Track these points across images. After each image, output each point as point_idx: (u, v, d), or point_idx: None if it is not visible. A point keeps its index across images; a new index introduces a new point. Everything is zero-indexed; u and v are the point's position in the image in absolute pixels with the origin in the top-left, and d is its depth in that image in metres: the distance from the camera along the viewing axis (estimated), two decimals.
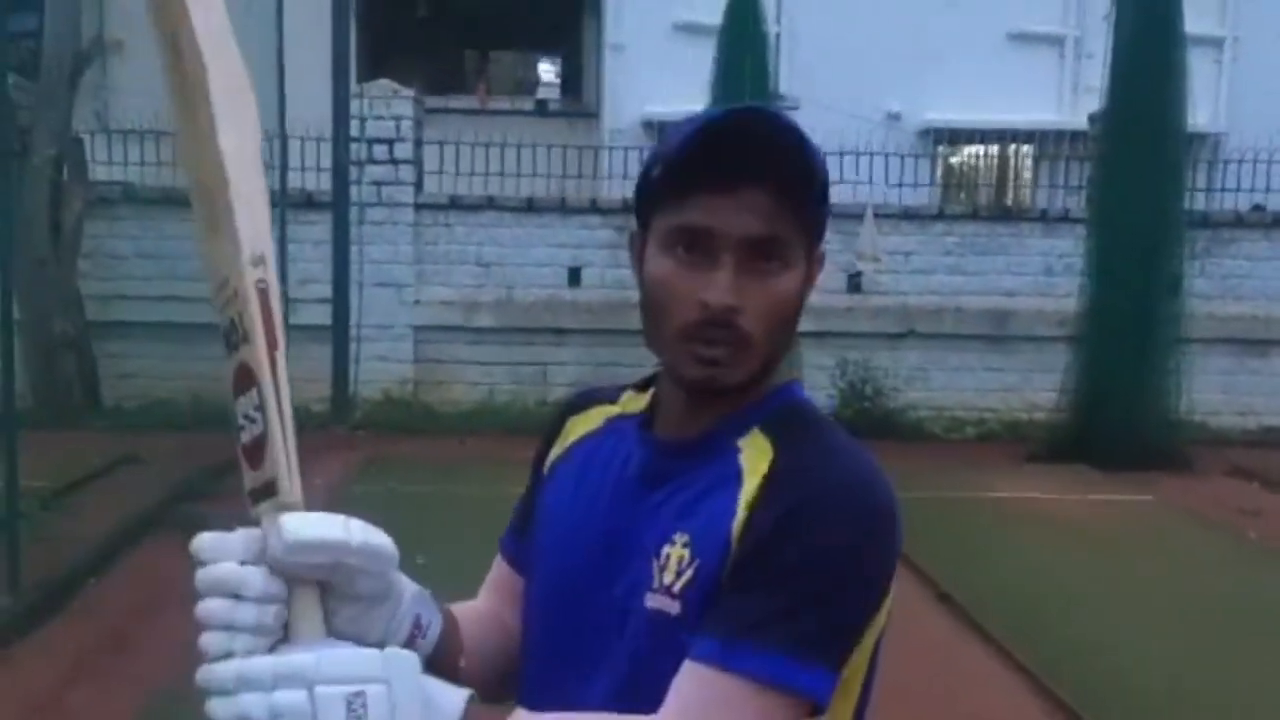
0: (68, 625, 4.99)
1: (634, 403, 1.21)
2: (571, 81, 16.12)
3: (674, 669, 0.98)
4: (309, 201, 10.37)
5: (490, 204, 10.55)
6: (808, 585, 0.98)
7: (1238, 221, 10.87)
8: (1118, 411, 8.99)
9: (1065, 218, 10.78)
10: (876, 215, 10.42)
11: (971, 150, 14.18)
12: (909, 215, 10.83)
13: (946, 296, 10.76)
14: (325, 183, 10.30)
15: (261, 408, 0.95)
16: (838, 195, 10.63)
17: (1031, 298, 10.70)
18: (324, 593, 0.95)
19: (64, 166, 9.57)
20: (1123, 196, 9.21)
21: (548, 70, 16.80)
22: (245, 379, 0.97)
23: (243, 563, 0.93)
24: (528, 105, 15.45)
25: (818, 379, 9.96)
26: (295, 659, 0.88)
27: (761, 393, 1.10)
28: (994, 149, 13.72)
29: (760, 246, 1.02)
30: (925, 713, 4.29)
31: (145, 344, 10.12)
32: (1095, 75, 10.27)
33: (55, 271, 9.41)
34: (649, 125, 14.00)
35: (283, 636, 0.93)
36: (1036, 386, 10.20)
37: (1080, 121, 11.62)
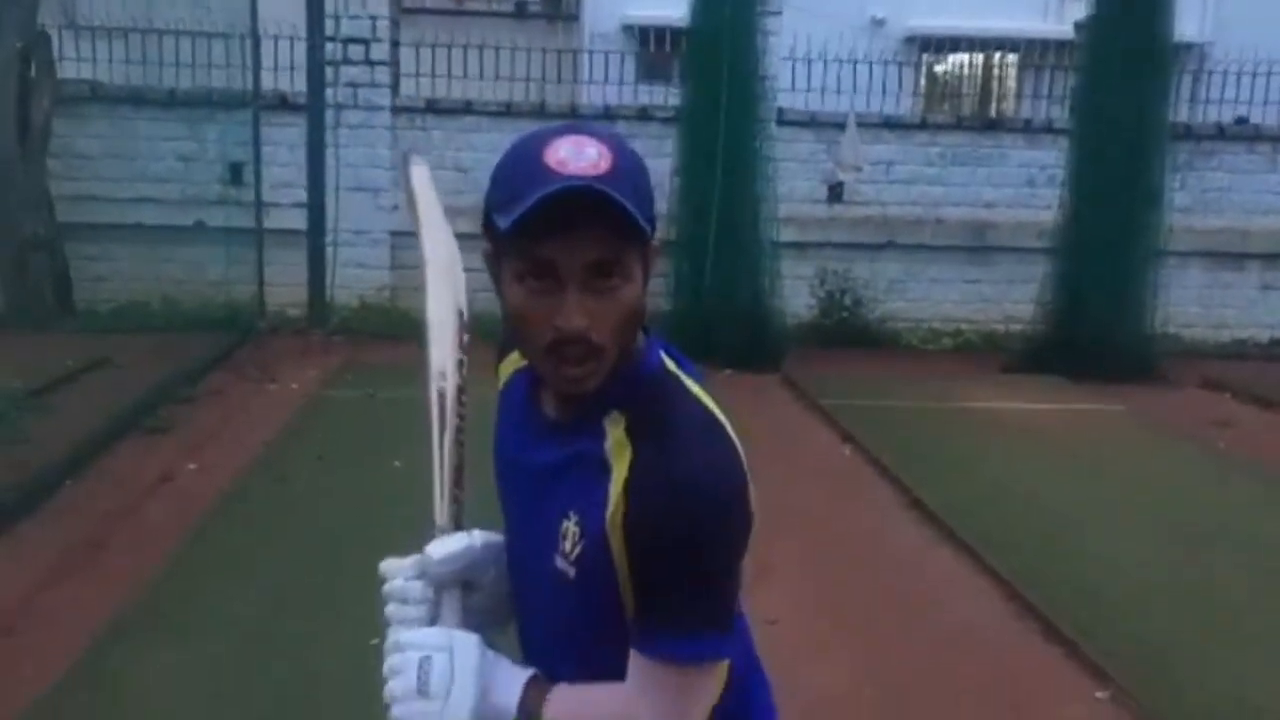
0: (44, 525, 4.99)
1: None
2: None
3: (575, 619, 1.28)
4: (283, 103, 10.16)
5: (468, 108, 10.38)
6: (696, 577, 1.19)
7: (1220, 134, 10.81)
8: (1093, 323, 9.03)
9: (1049, 128, 10.69)
10: (858, 124, 10.31)
11: (956, 59, 14.02)
12: (891, 124, 10.71)
13: (927, 207, 10.71)
14: (300, 83, 10.08)
15: (432, 471, 1.35)
16: (820, 103, 10.61)
17: (1012, 209, 10.67)
18: (466, 592, 1.33)
19: (31, 62, 9.32)
20: (1106, 107, 9.13)
21: None
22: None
23: (407, 578, 1.30)
24: (506, 7, 15.14)
25: (797, 289, 9.95)
26: (404, 635, 1.27)
27: (619, 372, 1.24)
28: (979, 58, 13.56)
29: (600, 269, 1.16)
30: (896, 617, 4.36)
31: (117, 246, 9.98)
32: None
33: (24, 171, 9.23)
34: (629, 29, 13.77)
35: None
36: (1014, 299, 10.22)
37: (1066, 30, 11.49)
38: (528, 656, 1.37)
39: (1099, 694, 3.75)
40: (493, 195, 1.20)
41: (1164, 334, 9.53)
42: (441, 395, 1.35)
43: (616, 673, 1.26)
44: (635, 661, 1.23)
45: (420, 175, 1.46)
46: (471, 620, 1.31)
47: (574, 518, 1.24)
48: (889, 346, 10.14)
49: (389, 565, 1.33)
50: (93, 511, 5.13)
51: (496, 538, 1.37)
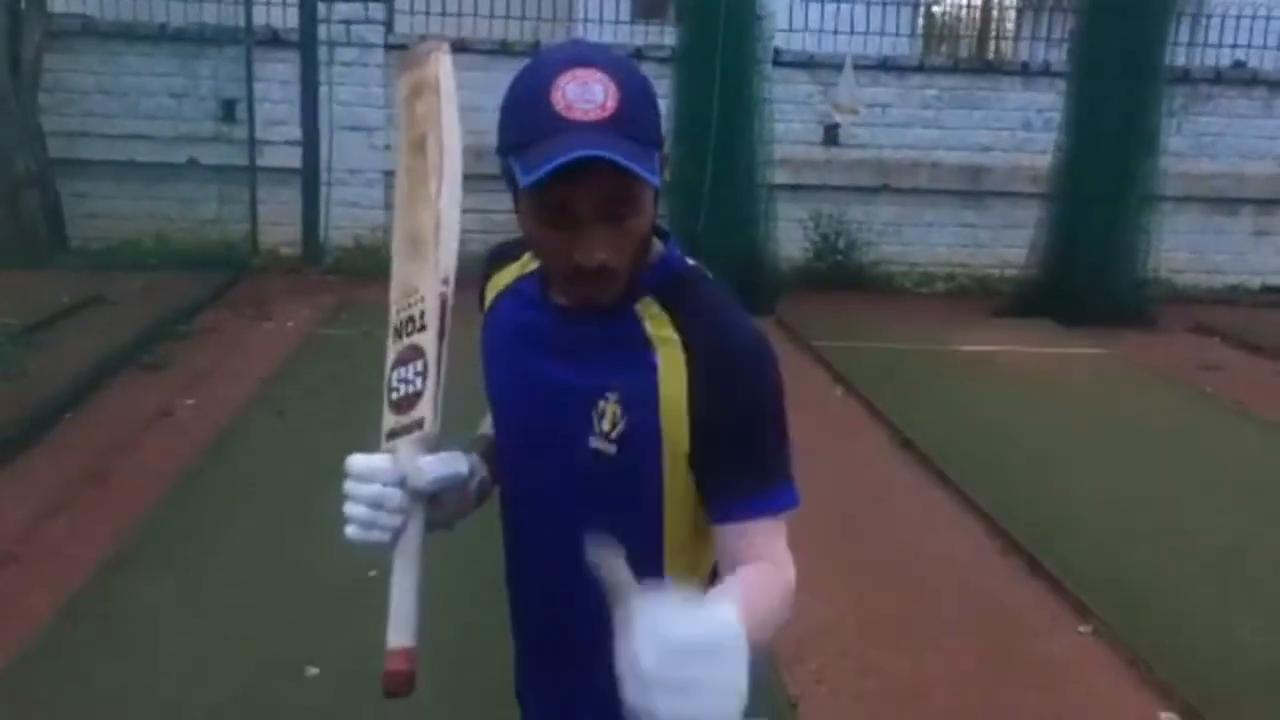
0: (44, 458, 5.04)
1: (532, 263, 1.40)
2: None
3: (612, 495, 1.29)
4: (275, 39, 10.07)
5: (463, 47, 10.28)
6: (776, 431, 1.28)
7: (1217, 78, 10.77)
8: (1086, 268, 9.07)
9: (1046, 71, 10.63)
10: (855, 66, 10.25)
11: (954, 0, 13.88)
12: (887, 66, 10.66)
13: (923, 151, 10.68)
14: (292, 19, 9.99)
15: (424, 374, 1.34)
16: (817, 44, 10.52)
17: (1008, 153, 10.65)
18: (430, 505, 1.34)
19: None
20: (1104, 50, 9.10)
21: None
22: (412, 354, 1.36)
23: (385, 484, 1.29)
24: None
25: (791, 231, 9.96)
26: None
27: (643, 265, 1.29)
28: None
29: (613, 204, 1.20)
30: (885, 553, 4.45)
31: (110, 183, 9.94)
32: None
33: (15, 106, 9.16)
34: None
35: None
36: (1008, 243, 10.23)
37: None
38: (526, 552, 1.40)
39: (1081, 629, 3.84)
40: (503, 135, 1.22)
41: (1156, 279, 9.56)
42: (444, 302, 1.36)
43: (629, 543, 1.22)
44: (755, 527, 1.26)
45: (447, 65, 1.44)
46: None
47: (612, 397, 1.27)
48: (882, 290, 10.17)
49: (364, 465, 1.30)
50: (92, 445, 5.18)
51: (474, 465, 1.39)
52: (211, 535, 4.29)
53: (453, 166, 1.39)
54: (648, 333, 1.28)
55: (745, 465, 1.27)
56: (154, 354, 6.73)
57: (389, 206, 10.22)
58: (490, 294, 1.47)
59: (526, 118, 1.18)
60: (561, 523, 1.34)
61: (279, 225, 10.02)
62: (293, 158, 9.96)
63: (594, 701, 1.33)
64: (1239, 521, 4.89)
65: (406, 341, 1.37)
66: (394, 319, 1.41)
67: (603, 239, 1.21)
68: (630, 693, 1.01)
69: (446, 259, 1.37)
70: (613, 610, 1.02)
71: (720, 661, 1.00)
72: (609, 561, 1.03)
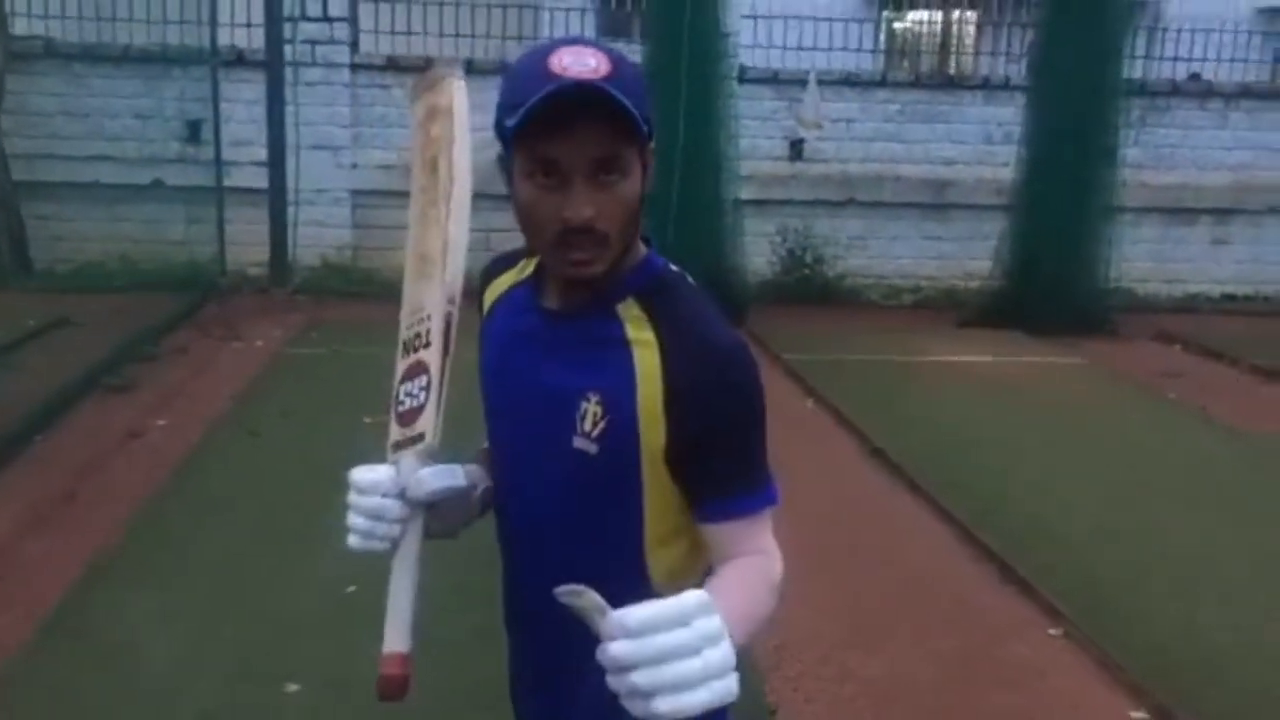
0: (16, 479, 5.00)
1: (527, 268, 1.47)
2: None
3: (593, 492, 1.34)
4: (240, 59, 10.07)
5: (429, 65, 10.28)
6: (751, 433, 1.32)
7: (1174, 90, 10.97)
8: (1050, 278, 9.20)
9: (1006, 85, 10.80)
10: (819, 82, 10.37)
11: (916, 16, 14.07)
12: (851, 81, 10.78)
13: (887, 164, 10.80)
14: (257, 40, 9.98)
15: (427, 388, 1.39)
16: (782, 61, 10.62)
17: (971, 166, 10.79)
18: (428, 514, 1.39)
19: None
20: (1062, 64, 9.25)
21: None
22: (417, 370, 1.42)
23: (384, 495, 1.35)
24: None
25: (759, 246, 10.03)
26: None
27: (626, 267, 1.34)
28: (938, 15, 13.62)
29: (601, 165, 1.24)
30: (858, 560, 4.49)
31: (75, 205, 9.87)
32: None
33: None
34: None
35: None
36: (973, 255, 10.34)
37: None
38: (517, 548, 1.45)
39: (1052, 631, 3.90)
40: (503, 100, 1.27)
41: (1118, 288, 9.71)
42: (449, 320, 1.41)
43: (610, 544, 1.36)
44: (739, 526, 1.31)
45: (462, 90, 1.48)
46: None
47: (594, 398, 1.31)
48: (849, 303, 10.26)
49: (366, 478, 1.36)
50: (64, 465, 5.15)
51: (473, 477, 1.43)
52: (187, 552, 4.28)
53: (462, 190, 1.44)
54: (627, 334, 1.32)
55: (725, 466, 1.31)
56: (122, 375, 6.69)
57: (357, 226, 10.26)
58: (488, 301, 1.52)
59: (524, 79, 1.23)
60: (550, 520, 1.39)
61: (246, 246, 9.99)
62: (259, 178, 9.94)
63: (587, 699, 1.36)
64: (1206, 524, 4.98)
65: (413, 357, 1.42)
66: (403, 334, 1.46)
67: (592, 198, 1.24)
68: (613, 684, 1.05)
69: (453, 279, 1.42)
70: (592, 632, 1.07)
71: (692, 628, 1.05)
72: (575, 591, 1.07)
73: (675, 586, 1.26)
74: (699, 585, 1.16)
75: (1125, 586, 4.25)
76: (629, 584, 1.24)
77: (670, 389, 1.28)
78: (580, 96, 1.20)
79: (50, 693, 3.25)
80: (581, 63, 1.22)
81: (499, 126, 1.27)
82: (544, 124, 1.21)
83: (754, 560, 1.30)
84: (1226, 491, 5.46)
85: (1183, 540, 4.77)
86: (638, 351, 1.31)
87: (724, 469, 1.31)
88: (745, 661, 1.11)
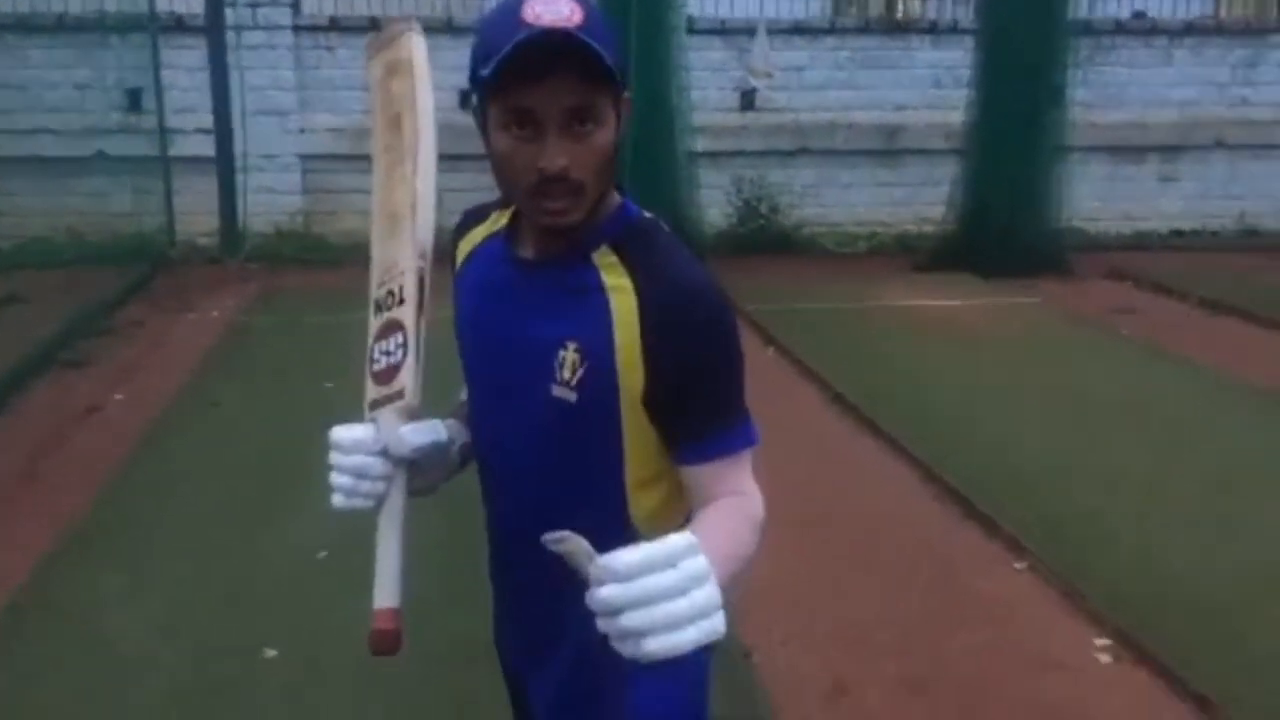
0: None
1: (500, 220, 1.47)
2: None
3: (574, 440, 1.35)
4: (179, 25, 9.86)
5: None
6: (729, 373, 1.34)
7: (1119, 29, 11.04)
8: (1002, 220, 9.27)
9: (954, 29, 10.81)
10: (768, 31, 10.33)
11: None
12: (800, 29, 10.75)
13: (838, 112, 10.80)
14: (196, 5, 9.78)
15: (404, 346, 1.40)
16: (731, 10, 10.56)
17: (921, 111, 10.81)
18: (410, 471, 1.40)
19: None
20: (1009, 5, 9.29)
21: None
22: (391, 328, 1.42)
23: (367, 454, 1.36)
24: None
25: (714, 197, 10.03)
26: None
27: (601, 216, 1.35)
28: None
29: (575, 114, 1.25)
30: (822, 504, 4.55)
31: (15, 179, 9.63)
32: None
33: None
34: None
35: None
36: (926, 200, 10.38)
37: None
38: (500, 498, 1.47)
39: (1017, 565, 3.98)
40: (476, 51, 1.27)
41: (1069, 228, 9.81)
42: (421, 276, 1.42)
43: (592, 490, 1.38)
44: (718, 467, 1.33)
45: (421, 45, 1.49)
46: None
47: (572, 346, 1.33)
48: (805, 251, 10.29)
49: (346, 436, 1.37)
50: (21, 445, 5.08)
51: (452, 432, 1.45)
52: (153, 525, 4.26)
53: (428, 145, 1.45)
54: (603, 281, 1.33)
55: (702, 407, 1.32)
56: (76, 351, 6.61)
57: (307, 191, 10.14)
58: (460, 255, 1.52)
59: (497, 29, 1.24)
60: (531, 468, 1.41)
61: (195, 215, 9.84)
62: (205, 146, 9.77)
63: (573, 634, 1.39)
64: (1159, 454, 5.08)
65: (387, 316, 1.43)
66: (374, 294, 1.46)
67: (566, 147, 1.25)
68: (602, 627, 1.07)
69: (424, 235, 1.43)
70: (580, 577, 1.09)
71: (679, 569, 1.08)
72: (563, 538, 1.09)
73: (657, 530, 1.29)
74: (680, 529, 1.17)
75: (1085, 519, 4.34)
76: (611, 529, 1.26)
77: (646, 332, 1.30)
78: (552, 45, 1.20)
79: (20, 670, 3.23)
80: (554, 10, 1.22)
81: (473, 76, 1.27)
82: (517, 74, 1.22)
83: (734, 500, 1.32)
84: (1179, 422, 5.57)
85: (1139, 470, 4.87)
86: (614, 298, 1.32)
87: (700, 410, 1.32)
88: (730, 600, 1.13)
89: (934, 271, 9.29)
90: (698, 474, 1.34)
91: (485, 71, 1.23)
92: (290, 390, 5.82)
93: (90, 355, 6.58)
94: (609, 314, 1.31)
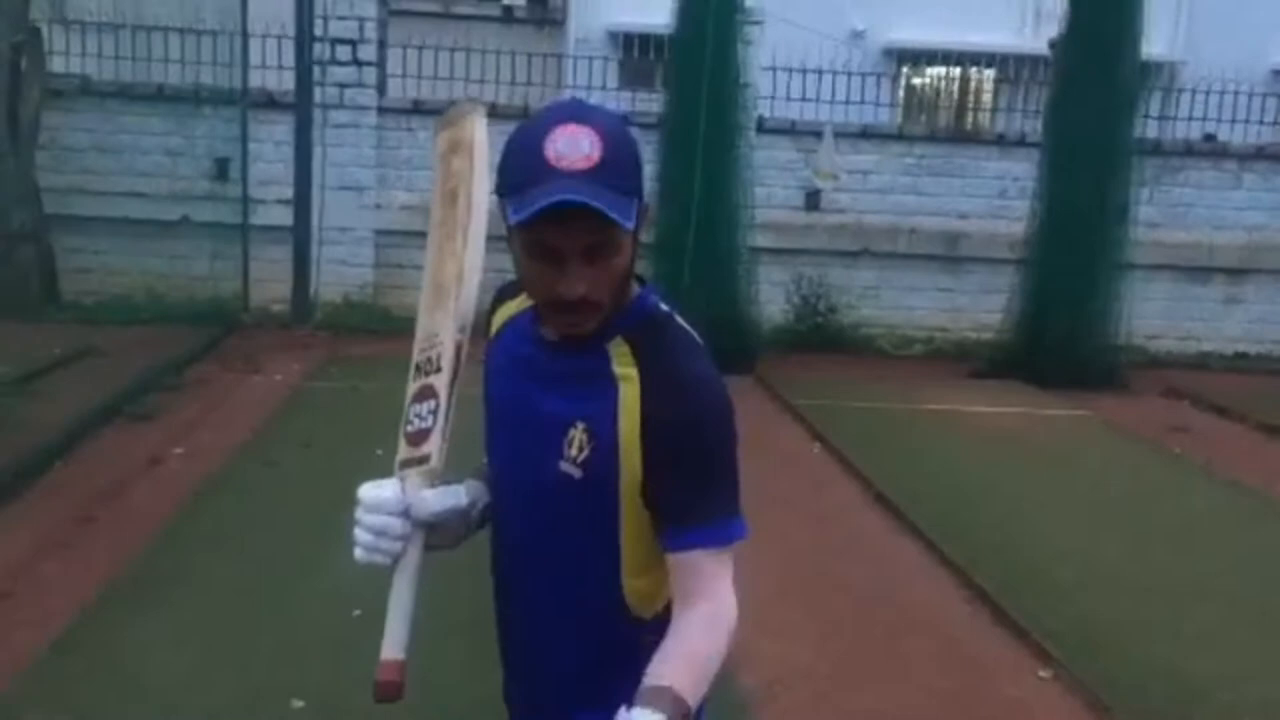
0: (37, 503, 5.14)
1: (529, 300, 1.53)
2: None
3: (576, 513, 1.44)
4: (270, 101, 10.33)
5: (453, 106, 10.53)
6: (720, 469, 1.42)
7: (1188, 150, 11.09)
8: (1060, 332, 9.27)
9: (1022, 142, 10.93)
10: (836, 134, 10.54)
11: (934, 71, 14.28)
12: (868, 134, 10.95)
13: (902, 216, 10.94)
14: (287, 82, 10.26)
15: (435, 412, 1.48)
16: (799, 112, 10.82)
17: (985, 220, 10.91)
18: (429, 531, 1.47)
19: (22, 56, 9.46)
20: (1076, 122, 9.38)
21: None
22: (427, 394, 1.50)
23: (389, 514, 1.43)
24: (494, 10, 15.33)
25: (773, 294, 10.16)
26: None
27: (619, 307, 1.44)
28: (956, 71, 13.81)
29: (594, 248, 1.35)
30: (855, 599, 4.56)
31: (103, 239, 10.10)
32: (1057, 0, 10.36)
33: (13, 163, 9.35)
34: (614, 35, 13.98)
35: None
36: (985, 308, 10.43)
37: (1042, 46, 11.73)
38: (507, 558, 1.54)
39: (1042, 673, 3.96)
40: (501, 178, 1.37)
41: (1130, 345, 9.77)
42: (459, 348, 1.50)
43: (588, 569, 1.45)
44: (698, 559, 1.39)
45: (483, 126, 1.56)
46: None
47: (581, 426, 1.42)
48: (862, 351, 10.36)
49: (372, 496, 1.45)
50: (84, 491, 5.29)
51: (473, 493, 1.54)
52: (201, 575, 4.39)
53: (479, 223, 1.53)
54: (614, 370, 1.42)
55: (686, 498, 1.39)
56: (144, 404, 6.85)
57: (379, 265, 10.45)
58: (495, 324, 1.62)
59: (522, 164, 1.34)
60: (535, 541, 1.50)
61: (270, 282, 10.20)
62: (284, 216, 10.17)
63: (572, 691, 1.48)
64: (1199, 572, 5.03)
65: (424, 380, 1.52)
66: (416, 357, 1.54)
67: (584, 275, 1.35)
68: None
69: (465, 308, 1.51)
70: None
71: None
72: None
73: (649, 610, 1.44)
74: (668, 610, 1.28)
75: (1116, 631, 4.31)
76: (606, 605, 1.39)
77: (646, 419, 1.38)
78: (573, 206, 1.29)
79: (61, 709, 3.35)
80: (576, 149, 1.31)
81: (498, 189, 1.38)
82: (540, 220, 1.31)
83: (707, 614, 1.38)
84: (1222, 541, 5.52)
85: (1177, 586, 4.82)
86: (622, 386, 1.41)
87: (683, 498, 1.39)
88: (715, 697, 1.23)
89: (989, 379, 9.30)
90: (682, 562, 1.40)
91: (512, 219, 1.33)
92: (344, 455, 5.96)
93: (157, 409, 6.81)
94: (616, 401, 1.41)
